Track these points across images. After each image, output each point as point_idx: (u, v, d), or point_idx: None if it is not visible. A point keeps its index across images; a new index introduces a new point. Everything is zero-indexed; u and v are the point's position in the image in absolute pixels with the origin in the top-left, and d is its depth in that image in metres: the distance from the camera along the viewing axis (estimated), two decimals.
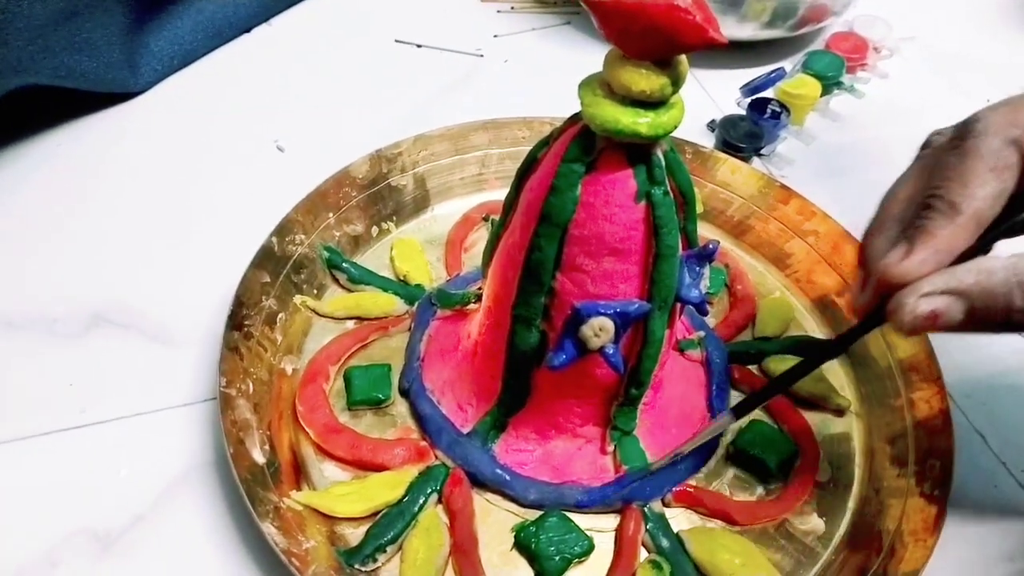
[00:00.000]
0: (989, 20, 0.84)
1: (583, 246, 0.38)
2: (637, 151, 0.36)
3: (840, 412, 0.50)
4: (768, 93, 0.67)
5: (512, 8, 0.77)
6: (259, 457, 0.41)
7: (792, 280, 0.56)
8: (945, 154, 0.37)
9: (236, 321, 0.45)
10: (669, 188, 0.37)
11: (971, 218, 0.35)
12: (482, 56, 0.71)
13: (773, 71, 0.67)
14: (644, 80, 0.33)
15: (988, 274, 0.34)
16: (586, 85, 0.35)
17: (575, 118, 0.37)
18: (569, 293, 0.39)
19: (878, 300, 0.37)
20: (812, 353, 0.40)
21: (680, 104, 0.35)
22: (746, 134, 0.62)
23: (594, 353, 0.39)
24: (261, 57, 0.69)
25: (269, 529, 0.38)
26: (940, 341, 0.49)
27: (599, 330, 0.38)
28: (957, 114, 0.39)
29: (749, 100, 0.65)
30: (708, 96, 0.70)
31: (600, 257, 0.38)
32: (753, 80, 0.67)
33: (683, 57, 0.34)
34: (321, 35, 0.72)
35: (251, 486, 0.39)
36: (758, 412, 0.49)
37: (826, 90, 0.69)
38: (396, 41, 0.72)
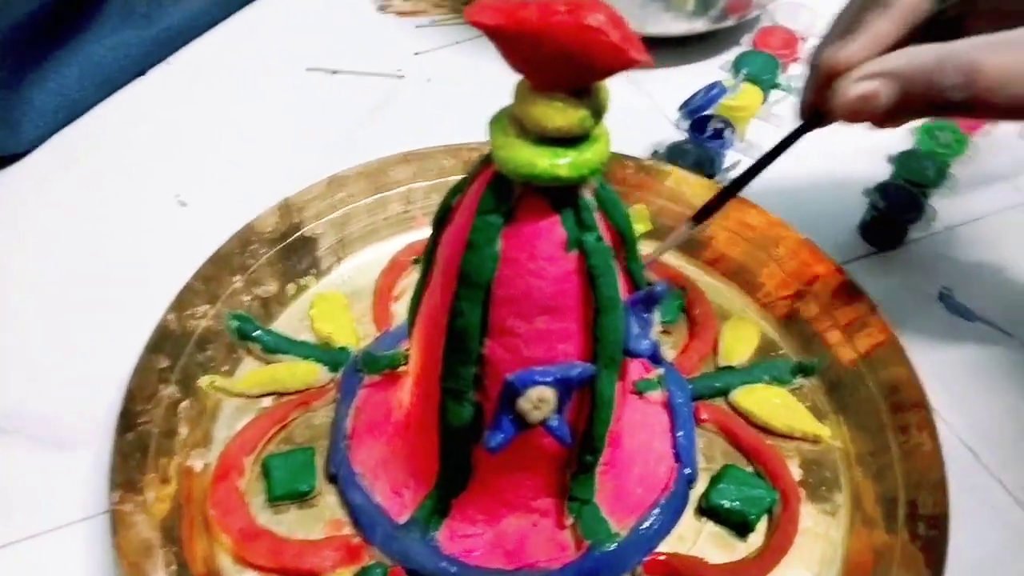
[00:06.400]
0: None
1: (511, 306, 0.33)
2: (561, 194, 0.31)
3: (819, 442, 0.45)
4: (709, 110, 0.62)
5: (433, 21, 0.72)
6: None
7: (755, 296, 0.51)
8: None
9: (129, 421, 0.39)
10: (603, 231, 0.32)
11: (901, 10, 0.39)
12: (403, 77, 0.66)
13: (711, 87, 0.62)
14: (559, 115, 0.28)
15: (916, 55, 0.37)
16: (497, 123, 0.30)
17: (489, 159, 0.32)
18: (501, 360, 0.34)
19: (821, 96, 0.40)
20: (761, 160, 0.42)
21: (605, 137, 0.30)
22: (695, 161, 0.57)
23: (537, 426, 0.34)
24: (159, 101, 0.63)
25: None
26: (918, 346, 0.45)
27: (539, 401, 0.33)
28: None
29: (689, 122, 0.60)
30: (650, 100, 0.65)
31: (532, 317, 0.33)
32: (692, 98, 0.62)
33: (604, 83, 0.29)
34: (225, 71, 0.66)
35: None
36: (732, 454, 0.44)
37: (766, 96, 0.64)
38: (308, 70, 0.66)
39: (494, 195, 0.31)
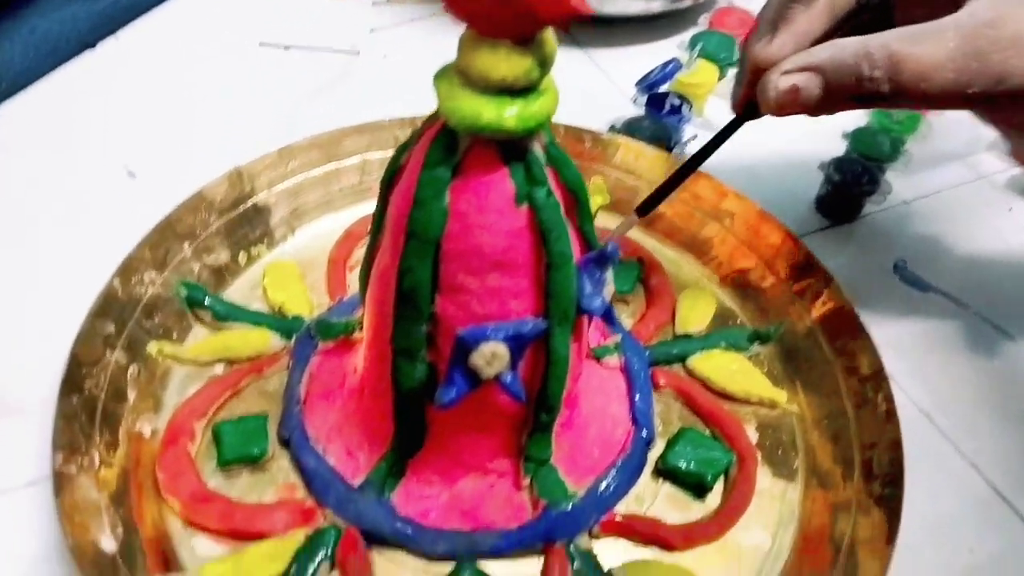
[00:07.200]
0: None
1: (461, 262, 0.32)
2: (510, 148, 0.31)
3: (775, 406, 0.45)
4: (665, 87, 0.62)
5: None
6: (108, 544, 0.35)
7: (712, 267, 0.52)
8: None
9: (73, 384, 0.38)
10: (554, 186, 0.32)
11: (825, 5, 0.39)
12: (358, 54, 0.65)
13: (668, 63, 0.62)
14: (504, 64, 0.28)
15: (840, 49, 0.37)
16: (442, 76, 0.30)
17: (436, 114, 0.32)
18: (453, 317, 0.33)
19: (752, 91, 0.40)
20: (703, 149, 0.41)
21: (552, 89, 0.30)
22: (651, 136, 0.57)
23: (490, 383, 0.33)
24: (108, 75, 0.62)
25: None
26: (874, 317, 0.46)
27: (491, 357, 0.33)
28: None
29: (647, 97, 0.60)
30: (607, 77, 0.65)
31: (483, 273, 0.33)
32: (649, 74, 0.62)
33: (549, 33, 0.29)
34: (177, 45, 0.65)
35: None
36: (689, 418, 0.44)
37: (722, 73, 0.64)
38: (261, 45, 0.65)
39: (441, 149, 0.31)
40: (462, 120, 0.29)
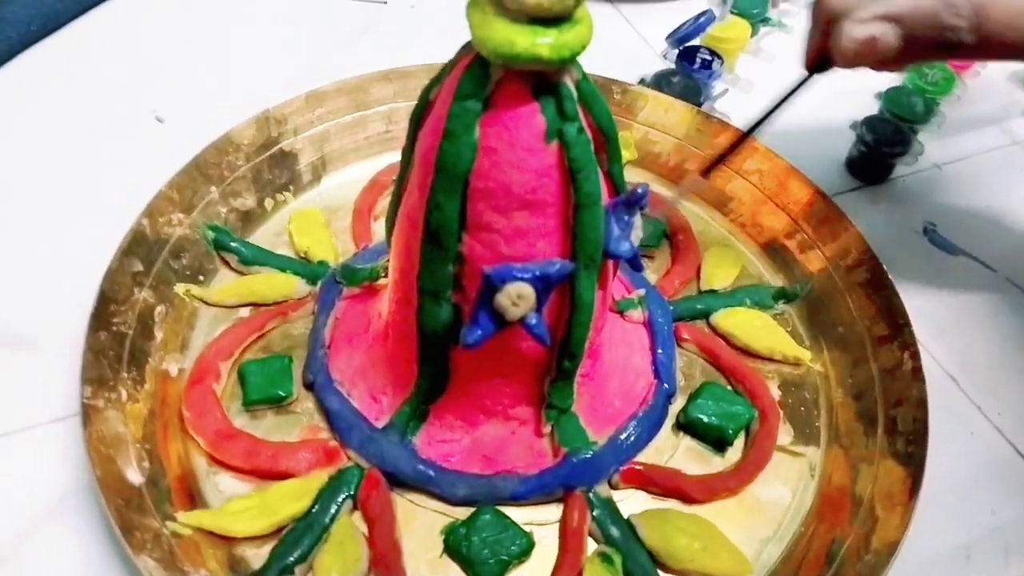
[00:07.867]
0: None
1: (489, 200, 0.32)
2: (542, 81, 0.30)
3: (799, 364, 0.45)
4: (696, 41, 0.61)
5: None
6: (135, 477, 0.35)
7: (737, 225, 0.51)
8: None
9: (102, 320, 0.38)
10: (585, 124, 0.32)
11: None
12: (385, 3, 0.65)
13: (701, 15, 0.61)
14: None
15: None
16: (475, 4, 0.29)
17: (468, 47, 0.31)
18: (479, 257, 0.33)
19: (825, 42, 0.39)
20: (771, 108, 0.42)
21: (587, 19, 0.29)
22: (683, 90, 0.56)
23: (515, 325, 0.33)
24: (137, 18, 0.61)
25: (146, 563, 0.32)
26: (902, 279, 0.45)
27: (517, 298, 0.32)
28: None
29: (677, 51, 0.59)
30: (637, 33, 0.64)
31: (510, 212, 0.32)
32: (680, 27, 0.61)
33: None
34: None
35: (124, 512, 0.33)
36: (711, 373, 0.44)
37: (754, 29, 0.64)
38: None
39: (473, 80, 0.30)
40: (495, 49, 0.28)
